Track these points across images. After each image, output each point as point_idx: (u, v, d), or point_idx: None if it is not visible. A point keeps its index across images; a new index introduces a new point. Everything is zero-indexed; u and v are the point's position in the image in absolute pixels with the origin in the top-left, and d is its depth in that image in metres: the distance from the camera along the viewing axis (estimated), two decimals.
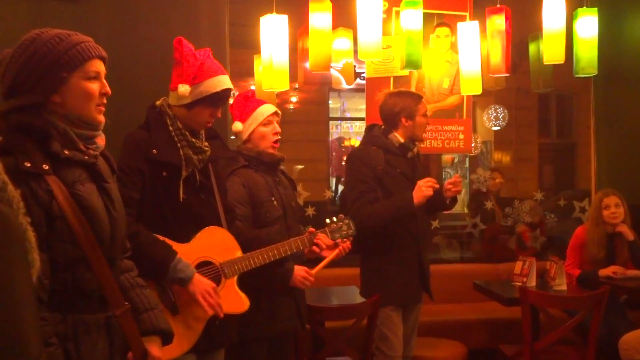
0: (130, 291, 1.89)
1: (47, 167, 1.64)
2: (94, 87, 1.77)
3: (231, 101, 3.06)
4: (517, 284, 4.03)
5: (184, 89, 2.42)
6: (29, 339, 0.66)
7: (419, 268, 3.41)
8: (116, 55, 3.50)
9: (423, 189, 3.25)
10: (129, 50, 3.54)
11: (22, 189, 1.54)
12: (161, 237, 2.37)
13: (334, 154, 9.41)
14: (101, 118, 1.80)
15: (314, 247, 2.79)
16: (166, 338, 1.95)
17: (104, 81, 1.81)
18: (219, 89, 2.46)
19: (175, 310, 2.36)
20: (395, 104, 3.42)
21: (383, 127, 3.48)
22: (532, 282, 4.05)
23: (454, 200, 3.54)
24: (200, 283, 2.37)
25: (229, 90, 2.51)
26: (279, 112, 3.08)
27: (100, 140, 1.82)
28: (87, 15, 3.52)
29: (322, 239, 2.81)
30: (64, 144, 1.70)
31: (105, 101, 1.82)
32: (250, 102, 3.02)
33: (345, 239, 2.93)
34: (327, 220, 2.95)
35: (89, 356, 1.68)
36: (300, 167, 7.69)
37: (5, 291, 0.63)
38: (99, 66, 1.79)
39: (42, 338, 0.69)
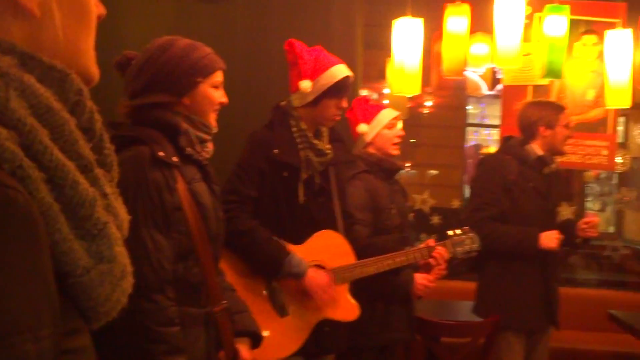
0: (223, 293, 1.92)
1: (176, 160, 1.74)
2: (217, 95, 1.88)
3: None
4: None
5: (305, 84, 2.42)
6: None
7: (544, 291, 3.17)
8: (250, 55, 3.64)
9: (554, 240, 3.03)
10: (262, 51, 3.62)
11: (157, 176, 1.67)
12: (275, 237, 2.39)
13: (469, 161, 9.13)
14: (215, 124, 1.90)
15: (430, 260, 2.69)
16: (255, 341, 1.98)
17: (223, 91, 1.91)
18: (340, 77, 2.45)
19: (283, 312, 2.37)
20: (534, 113, 3.22)
21: (521, 138, 3.29)
22: None
23: (586, 241, 3.26)
24: (315, 277, 2.38)
25: (349, 78, 2.49)
26: (401, 116, 3.03)
27: (211, 146, 1.90)
28: (225, 16, 3.65)
29: (441, 253, 2.70)
30: (186, 142, 1.79)
31: (219, 108, 1.92)
32: (372, 105, 3.00)
33: (467, 255, 2.81)
34: (449, 232, 2.84)
35: (193, 348, 1.74)
36: (433, 172, 7.53)
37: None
38: (221, 77, 1.90)
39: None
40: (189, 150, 1.79)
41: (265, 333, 2.15)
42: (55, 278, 0.64)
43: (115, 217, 0.75)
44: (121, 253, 0.73)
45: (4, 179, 0.59)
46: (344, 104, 2.51)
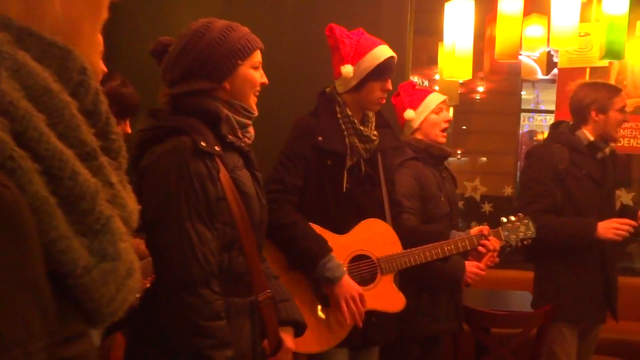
0: (267, 281, 1.89)
1: (218, 149, 1.70)
2: (257, 75, 1.82)
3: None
4: None
5: (347, 69, 2.37)
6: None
7: (603, 282, 3.04)
8: (298, 42, 3.60)
9: (613, 231, 2.89)
10: (310, 36, 3.58)
11: (200, 167, 1.64)
12: (319, 228, 2.35)
13: (523, 147, 8.95)
14: (255, 108, 1.85)
15: (480, 248, 2.60)
16: (299, 329, 1.94)
17: (262, 71, 1.85)
18: (382, 58, 2.38)
19: (326, 303, 2.34)
20: (586, 95, 3.06)
21: (571, 123, 3.14)
22: None
23: None
24: (347, 287, 2.31)
25: (392, 58, 2.41)
26: (447, 100, 2.95)
27: (252, 130, 1.85)
28: (273, 1, 3.62)
29: (492, 242, 2.60)
30: (227, 130, 1.75)
31: (259, 90, 1.85)
32: (418, 90, 2.91)
33: (522, 242, 2.72)
34: (503, 219, 2.75)
35: (238, 338, 1.71)
36: (485, 159, 7.39)
37: None
38: (260, 56, 1.84)
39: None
40: (230, 137, 1.75)
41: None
42: (54, 279, 0.58)
43: (123, 208, 0.68)
44: (126, 249, 0.66)
45: None
46: (389, 86, 2.43)
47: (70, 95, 0.63)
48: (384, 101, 2.47)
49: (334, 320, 2.33)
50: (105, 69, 0.74)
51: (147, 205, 1.70)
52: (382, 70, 2.38)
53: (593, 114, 3.03)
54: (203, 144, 1.66)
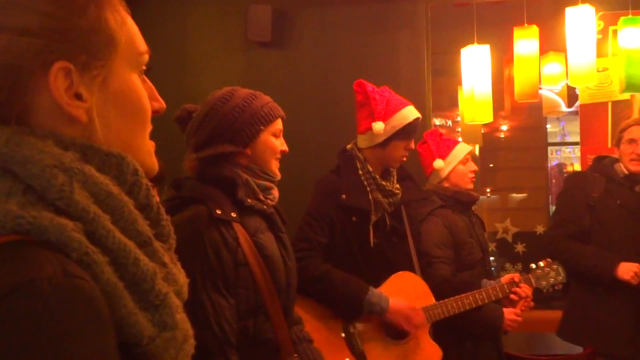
0: (297, 345, 1.89)
1: (234, 215, 1.73)
2: (278, 143, 1.87)
3: None
4: None
5: (379, 126, 2.41)
6: None
7: (635, 314, 2.93)
8: (318, 97, 3.67)
9: (632, 274, 2.81)
10: (330, 91, 3.66)
11: (215, 236, 1.66)
12: None
13: (553, 181, 8.82)
14: (278, 172, 1.89)
15: (512, 296, 2.58)
16: None
17: (283, 139, 1.90)
18: (411, 119, 2.44)
19: (362, 358, 2.32)
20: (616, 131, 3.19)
21: (615, 157, 3.17)
22: None
23: None
24: (398, 309, 2.34)
25: (418, 119, 2.48)
26: (474, 150, 2.99)
27: (276, 192, 1.88)
28: (293, 60, 3.72)
29: (524, 289, 2.58)
30: (246, 194, 1.78)
31: (280, 157, 1.90)
32: (445, 139, 2.96)
33: (554, 287, 2.70)
34: (532, 265, 2.74)
35: None
36: (516, 196, 7.31)
37: None
38: (281, 125, 1.89)
39: None
40: (249, 201, 1.78)
41: None
42: (125, 348, 0.69)
43: (175, 283, 0.80)
44: (182, 319, 0.77)
45: (73, 270, 0.64)
46: (412, 145, 2.50)
47: (127, 194, 0.76)
48: (405, 159, 2.51)
49: None
50: (157, 167, 0.87)
51: None
52: (409, 130, 2.44)
53: (615, 148, 3.14)
54: (218, 212, 1.69)
